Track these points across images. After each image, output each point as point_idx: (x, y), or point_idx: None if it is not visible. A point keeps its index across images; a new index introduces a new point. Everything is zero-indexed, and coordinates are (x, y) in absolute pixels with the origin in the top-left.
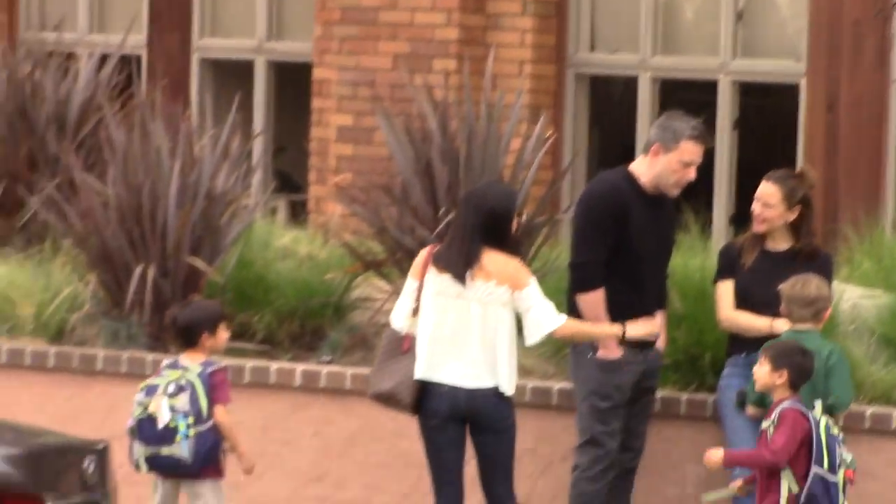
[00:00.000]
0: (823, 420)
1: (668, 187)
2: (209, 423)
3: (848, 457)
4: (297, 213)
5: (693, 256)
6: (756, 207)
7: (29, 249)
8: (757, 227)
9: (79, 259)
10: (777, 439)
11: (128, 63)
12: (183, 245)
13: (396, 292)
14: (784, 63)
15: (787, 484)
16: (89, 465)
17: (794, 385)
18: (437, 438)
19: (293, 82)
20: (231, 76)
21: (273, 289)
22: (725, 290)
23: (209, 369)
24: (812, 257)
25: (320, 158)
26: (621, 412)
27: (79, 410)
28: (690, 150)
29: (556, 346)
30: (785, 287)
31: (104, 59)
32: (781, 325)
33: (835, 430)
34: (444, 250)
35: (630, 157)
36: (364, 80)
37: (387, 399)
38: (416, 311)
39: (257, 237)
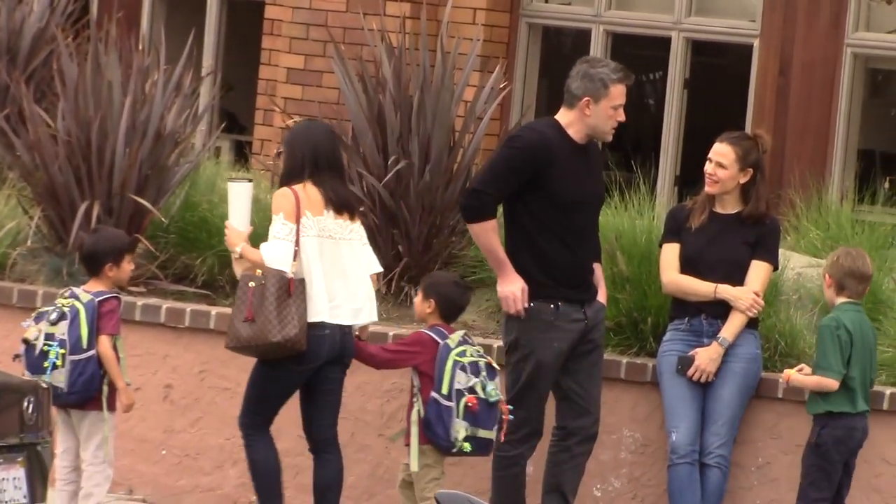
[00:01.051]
0: (460, 349)
1: (604, 135)
2: (89, 353)
3: (479, 383)
4: (242, 155)
5: (640, 217)
6: (709, 168)
7: None
8: (709, 188)
9: (24, 193)
10: (391, 346)
11: None
12: (129, 184)
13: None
14: (738, 23)
15: (417, 408)
16: (28, 405)
17: (445, 315)
18: (295, 381)
19: (245, 20)
20: (183, 11)
21: (216, 232)
22: (670, 253)
23: (99, 298)
24: (759, 221)
25: (267, 100)
26: (553, 377)
27: (16, 347)
28: (620, 93)
29: (499, 303)
30: (843, 261)
31: None
32: (725, 290)
33: (468, 360)
34: (332, 189)
35: None
36: (316, 21)
37: (291, 346)
38: (296, 255)
39: (203, 178)
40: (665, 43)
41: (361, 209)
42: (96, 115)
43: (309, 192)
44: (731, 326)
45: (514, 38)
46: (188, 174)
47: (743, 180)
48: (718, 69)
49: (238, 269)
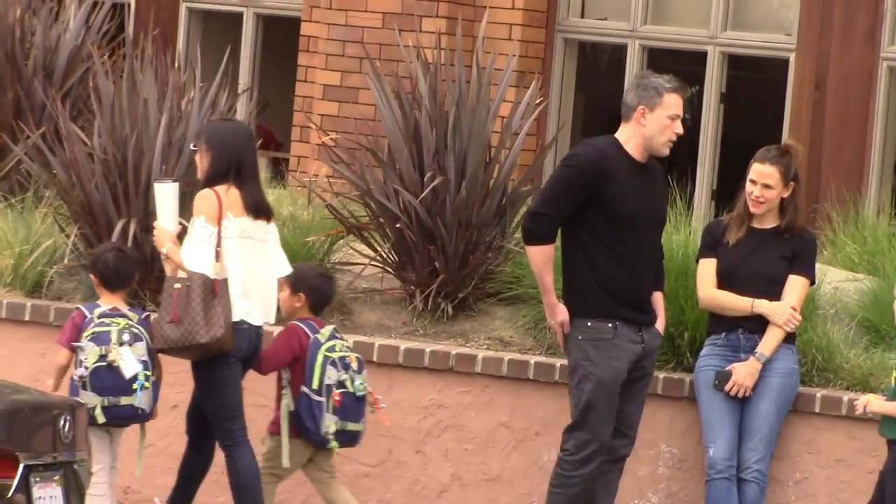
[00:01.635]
0: (329, 343)
1: (659, 147)
2: (155, 371)
3: (349, 378)
4: (278, 172)
5: (676, 232)
6: (755, 190)
7: (11, 199)
8: (755, 209)
9: (61, 211)
10: (268, 348)
11: (119, 10)
12: None
13: (378, 257)
14: (774, 37)
15: (286, 402)
16: (65, 423)
17: (314, 307)
18: (232, 376)
19: (281, 37)
20: (219, 27)
21: None
22: (707, 268)
23: (143, 315)
24: (796, 235)
25: (304, 116)
26: (615, 396)
27: (51, 365)
28: (675, 103)
29: (536, 319)
30: None
31: (95, 5)
32: (762, 305)
33: (337, 355)
34: (250, 192)
35: (615, 124)
36: (352, 38)
37: (218, 346)
38: (217, 256)
39: None
40: (701, 57)
41: (398, 225)
42: (132, 132)
43: (231, 194)
44: (769, 341)
45: (550, 53)
46: None
47: (785, 195)
48: (755, 83)
49: (168, 269)
